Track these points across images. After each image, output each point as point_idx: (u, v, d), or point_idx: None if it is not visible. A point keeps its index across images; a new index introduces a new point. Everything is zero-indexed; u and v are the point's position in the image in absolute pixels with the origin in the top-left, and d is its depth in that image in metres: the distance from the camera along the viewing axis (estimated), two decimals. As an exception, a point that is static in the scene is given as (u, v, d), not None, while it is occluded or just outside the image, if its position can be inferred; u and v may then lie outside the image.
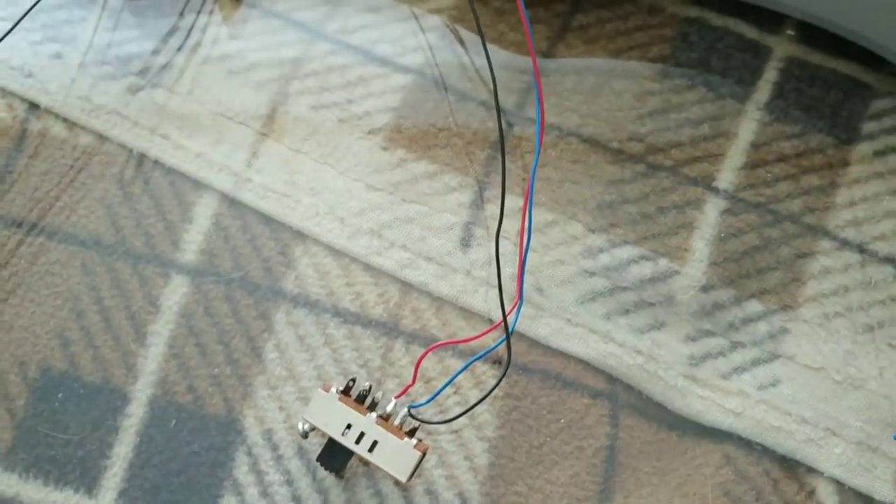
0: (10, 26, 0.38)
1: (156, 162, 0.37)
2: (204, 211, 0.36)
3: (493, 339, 0.34)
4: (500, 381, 0.32)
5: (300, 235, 0.36)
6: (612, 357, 0.34)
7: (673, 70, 0.39)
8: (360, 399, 0.31)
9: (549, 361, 0.34)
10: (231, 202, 0.36)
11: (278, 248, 0.35)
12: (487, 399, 0.33)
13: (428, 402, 0.32)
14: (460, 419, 0.32)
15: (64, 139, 0.37)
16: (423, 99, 0.38)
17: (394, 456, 0.30)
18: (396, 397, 0.31)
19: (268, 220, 0.36)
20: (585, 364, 0.34)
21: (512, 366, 0.34)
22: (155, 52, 0.39)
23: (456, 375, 0.32)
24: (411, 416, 0.31)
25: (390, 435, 0.30)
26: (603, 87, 0.38)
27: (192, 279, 0.35)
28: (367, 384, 0.31)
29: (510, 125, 0.38)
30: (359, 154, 0.37)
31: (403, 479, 0.29)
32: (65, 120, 0.38)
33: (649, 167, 0.37)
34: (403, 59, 0.39)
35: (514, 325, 0.33)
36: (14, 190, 0.36)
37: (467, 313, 0.34)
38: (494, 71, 0.37)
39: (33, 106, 0.38)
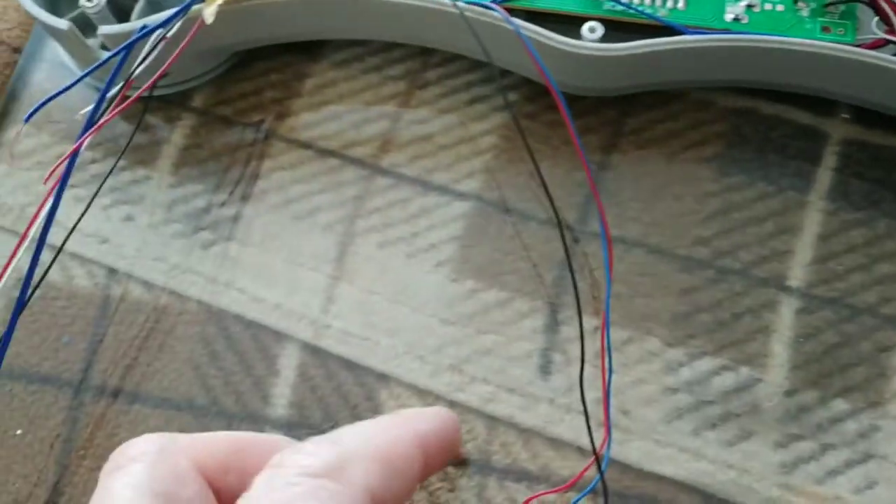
0: (80, 192, 0.40)
1: (236, 316, 0.38)
2: (288, 362, 0.37)
3: (590, 470, 0.34)
4: None
5: (383, 377, 0.36)
6: (704, 475, 0.34)
7: (730, 167, 0.39)
8: None
9: (643, 486, 0.34)
10: (313, 350, 0.37)
11: (364, 393, 0.36)
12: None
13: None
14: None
15: (145, 301, 0.39)
16: (485, 224, 0.39)
17: None
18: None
19: (350, 364, 0.37)
20: (679, 484, 0.34)
21: (610, 493, 0.34)
22: (222, 204, 0.40)
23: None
24: None
25: None
26: (662, 192, 0.39)
27: (285, 434, 0.36)
28: None
29: (575, 241, 0.38)
30: (430, 288, 0.38)
31: None
32: (143, 282, 0.39)
33: (718, 272, 0.37)
34: (460, 185, 0.40)
35: (607, 458, 0.34)
36: (105, 359, 0.38)
37: (556, 442, 0.35)
38: (552, 188, 0.38)
39: (111, 271, 0.39)
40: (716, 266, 0.37)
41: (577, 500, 0.33)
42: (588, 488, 0.33)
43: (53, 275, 0.39)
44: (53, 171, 0.33)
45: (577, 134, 0.35)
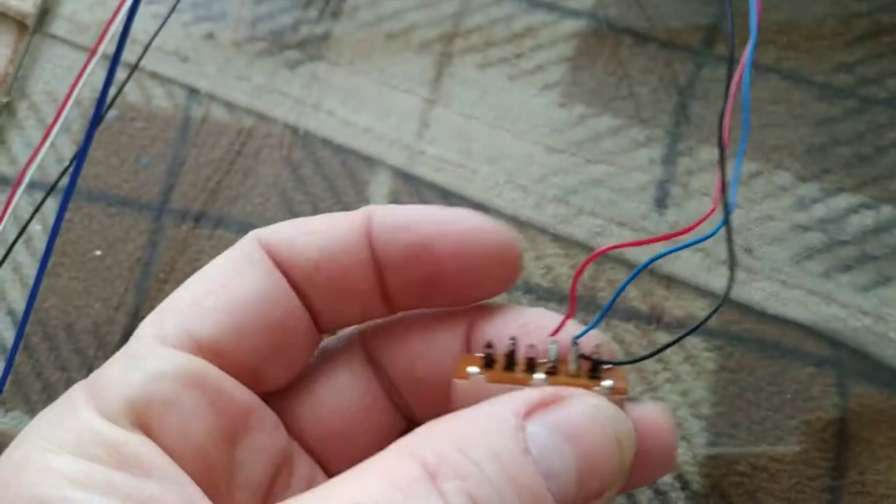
0: (159, 9, 0.37)
1: (324, 140, 0.35)
2: (379, 189, 0.34)
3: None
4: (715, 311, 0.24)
5: (481, 208, 0.34)
6: (835, 320, 0.31)
7: (880, -15, 0.34)
8: (511, 365, 0.22)
9: (766, 329, 0.31)
10: (406, 177, 0.34)
11: (460, 223, 0.33)
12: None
13: (596, 323, 0.24)
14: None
15: (227, 123, 0.36)
16: (598, 45, 0.35)
17: None
18: (551, 335, 0.23)
19: (446, 193, 0.34)
20: (806, 329, 0.31)
21: (725, 335, 0.31)
22: (309, 21, 0.37)
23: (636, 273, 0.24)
24: (586, 357, 0.22)
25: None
26: (801, 14, 0.34)
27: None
28: (508, 341, 0.22)
29: (698, 67, 0.34)
30: (535, 113, 0.35)
31: None
32: (226, 103, 0.36)
33: (862, 101, 0.33)
34: (571, 1, 0.36)
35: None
36: (186, 182, 0.35)
37: (670, 280, 0.32)
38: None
39: (192, 91, 0.37)
40: (859, 95, 0.33)
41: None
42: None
43: (132, 95, 0.37)
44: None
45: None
